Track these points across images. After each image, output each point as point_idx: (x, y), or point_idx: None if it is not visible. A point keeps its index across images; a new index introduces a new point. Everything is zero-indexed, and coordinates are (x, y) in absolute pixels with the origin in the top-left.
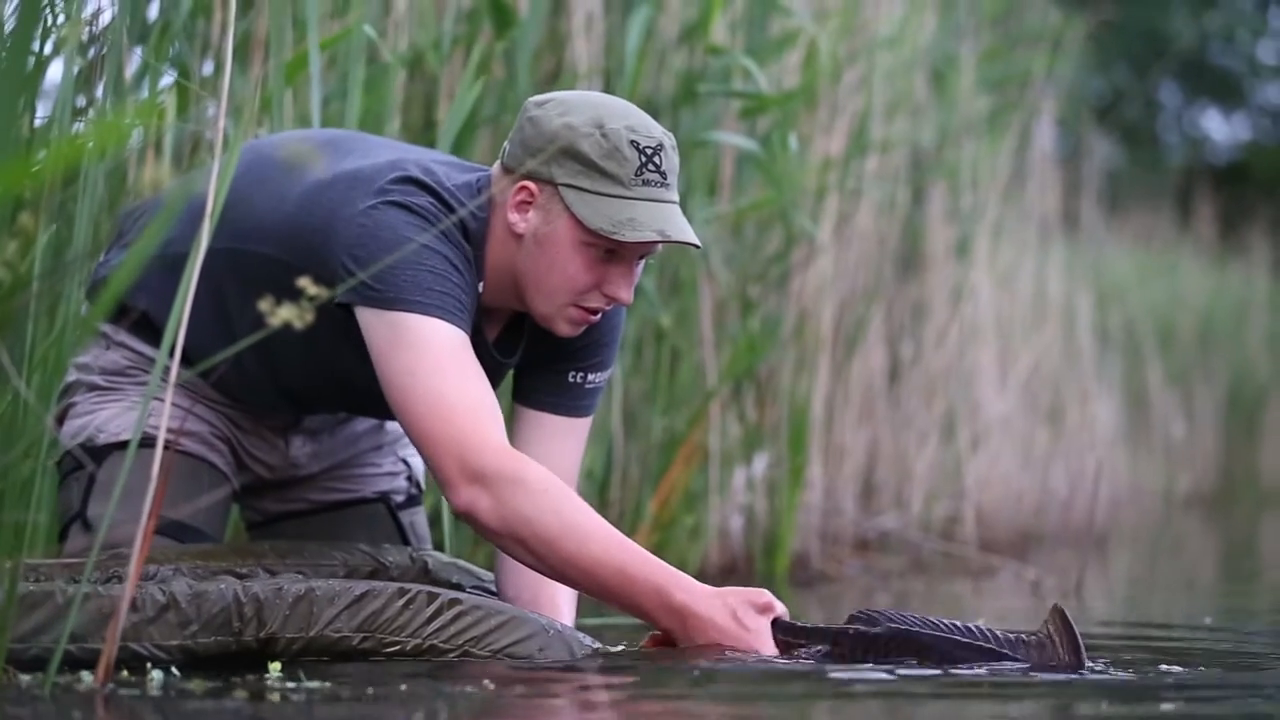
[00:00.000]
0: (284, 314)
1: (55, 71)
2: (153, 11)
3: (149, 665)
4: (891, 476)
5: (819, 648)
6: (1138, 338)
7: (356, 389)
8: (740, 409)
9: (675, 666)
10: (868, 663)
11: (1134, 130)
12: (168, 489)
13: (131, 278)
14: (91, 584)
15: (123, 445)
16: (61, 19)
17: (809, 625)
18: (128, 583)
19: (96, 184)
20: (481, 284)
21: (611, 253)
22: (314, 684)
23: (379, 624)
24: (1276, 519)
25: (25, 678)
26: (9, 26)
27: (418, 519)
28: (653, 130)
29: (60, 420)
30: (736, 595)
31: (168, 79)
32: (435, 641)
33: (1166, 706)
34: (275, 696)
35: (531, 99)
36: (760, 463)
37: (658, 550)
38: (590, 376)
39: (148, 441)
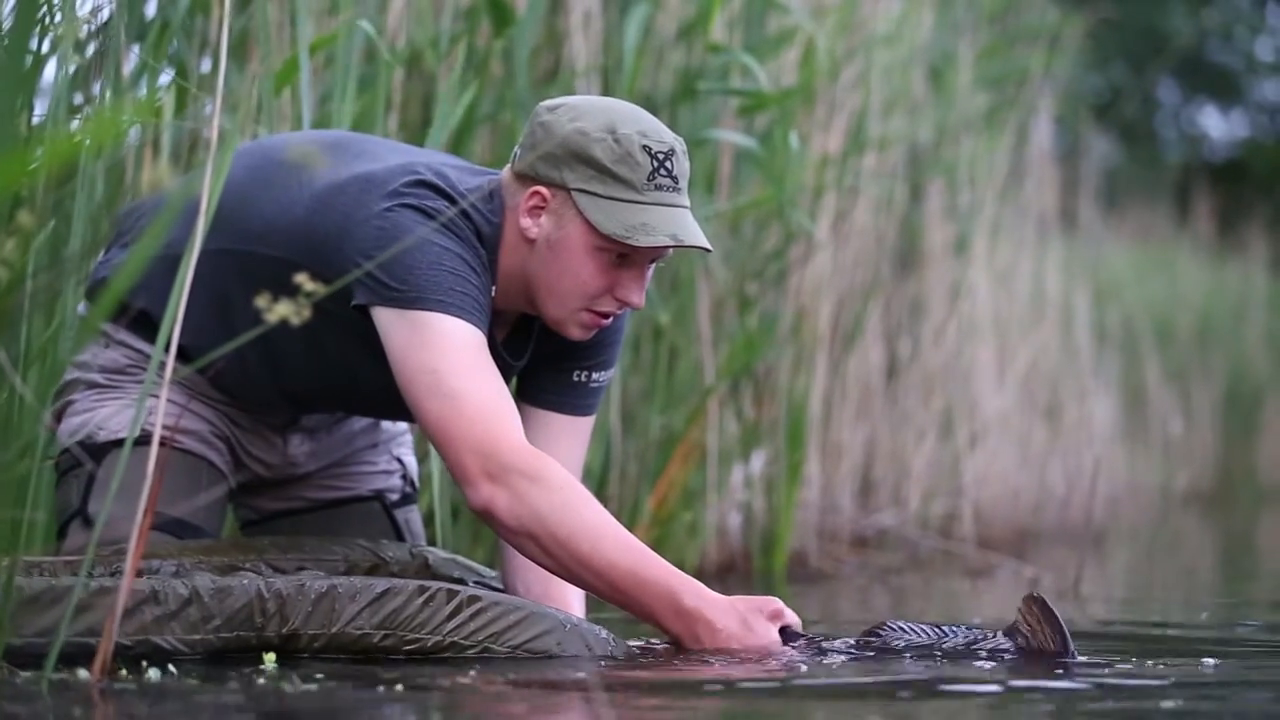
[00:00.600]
0: (280, 310)
1: (53, 69)
2: (150, 9)
3: (145, 663)
4: (889, 474)
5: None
6: (1136, 335)
7: (362, 390)
8: (738, 406)
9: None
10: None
11: (1132, 127)
12: (167, 486)
13: (133, 278)
14: (111, 577)
15: (122, 442)
16: (59, 17)
17: (816, 635)
18: (124, 578)
19: (94, 182)
20: (494, 287)
21: (624, 257)
22: (308, 683)
23: (400, 621)
24: (1274, 516)
25: (23, 674)
26: (6, 24)
27: (412, 517)
28: (664, 135)
29: (58, 418)
30: (746, 602)
31: (165, 77)
32: (456, 638)
33: (1167, 704)
34: (270, 692)
35: (542, 104)
36: (758, 460)
37: (655, 547)
38: (594, 376)
39: (146, 439)
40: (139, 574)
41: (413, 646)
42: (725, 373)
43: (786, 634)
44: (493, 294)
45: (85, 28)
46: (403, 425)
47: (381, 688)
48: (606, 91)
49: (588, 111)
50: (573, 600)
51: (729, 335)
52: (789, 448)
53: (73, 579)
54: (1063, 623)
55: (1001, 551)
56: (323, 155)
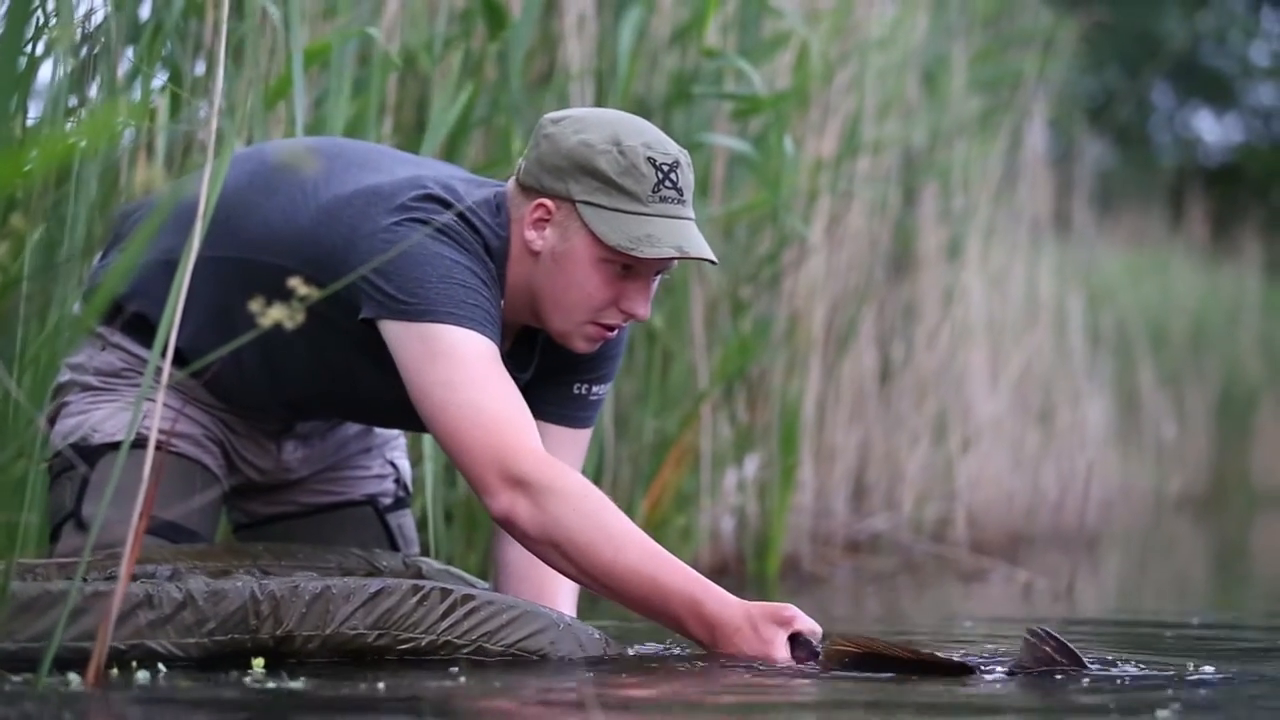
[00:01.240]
0: (274, 314)
1: (47, 72)
2: (144, 11)
3: (135, 665)
4: (883, 478)
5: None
6: (1129, 339)
7: (363, 399)
8: (731, 410)
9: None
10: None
11: (1126, 131)
12: (161, 489)
13: (124, 281)
14: (105, 582)
15: (116, 446)
16: (53, 20)
17: (818, 647)
18: (119, 583)
19: (89, 185)
20: (502, 300)
21: (629, 269)
22: (296, 684)
23: (394, 621)
24: (1267, 520)
25: (16, 679)
26: (0, 27)
27: (405, 522)
28: (669, 147)
29: (52, 420)
30: (761, 608)
31: (159, 80)
32: (449, 638)
33: (1162, 712)
34: (260, 695)
35: (546, 116)
36: (751, 464)
37: None
38: (594, 389)
39: (141, 442)
40: (133, 578)
41: (406, 646)
42: (719, 376)
43: (797, 642)
44: (501, 306)
45: (79, 30)
46: (395, 430)
47: (367, 693)
48: (601, 95)
49: (593, 124)
50: (565, 610)
51: (723, 339)
52: (782, 451)
53: (67, 584)
54: (1075, 652)
55: (995, 556)
56: (323, 163)
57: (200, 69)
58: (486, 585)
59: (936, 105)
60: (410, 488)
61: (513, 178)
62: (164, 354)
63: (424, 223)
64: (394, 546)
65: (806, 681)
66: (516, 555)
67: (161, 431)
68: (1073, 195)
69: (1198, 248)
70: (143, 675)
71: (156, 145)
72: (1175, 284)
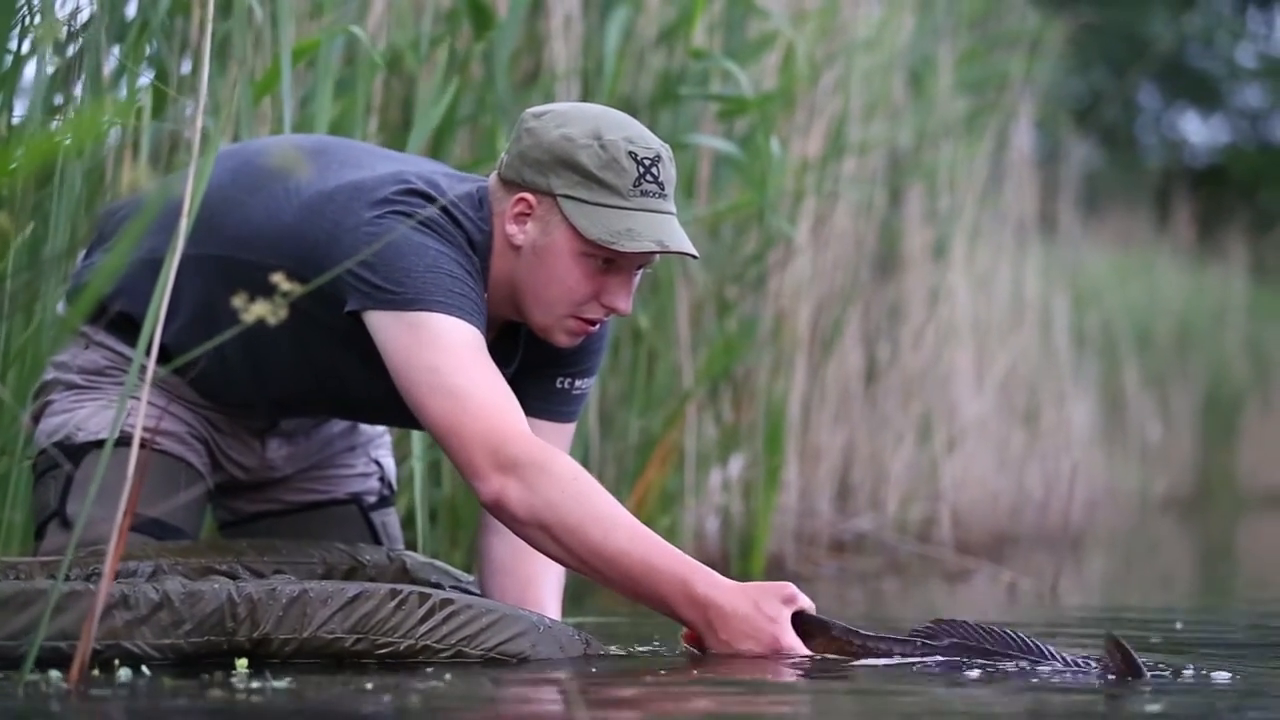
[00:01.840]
0: (257, 310)
1: (32, 69)
2: (130, 9)
3: (117, 663)
4: (867, 478)
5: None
6: (1114, 340)
7: (351, 396)
8: (717, 410)
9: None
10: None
11: (1112, 132)
12: (145, 487)
13: (112, 279)
14: (82, 581)
15: (101, 444)
16: (38, 18)
17: (833, 621)
18: (103, 580)
19: (74, 183)
20: (485, 294)
21: (609, 263)
22: (281, 683)
23: (372, 625)
24: (1252, 521)
25: None
26: None
27: (390, 520)
28: (650, 142)
29: (36, 418)
30: (759, 588)
31: (145, 78)
32: (428, 642)
33: (1152, 707)
34: (243, 695)
35: (528, 110)
36: (736, 464)
37: None
38: (577, 383)
39: (125, 440)
40: (99, 577)
41: (385, 651)
42: (704, 376)
43: (800, 619)
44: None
45: (65, 28)
46: (380, 427)
47: (353, 693)
48: (587, 95)
49: (574, 118)
50: (550, 605)
51: (708, 339)
52: (767, 451)
53: (48, 582)
54: (1137, 662)
55: (979, 556)
56: (307, 162)
57: (186, 67)
58: (471, 579)
59: (922, 106)
60: (395, 486)
61: (494, 172)
62: (148, 352)
63: (407, 215)
64: (379, 544)
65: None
66: (502, 549)
67: (146, 429)
68: (1059, 196)
69: (1183, 249)
70: (124, 674)
71: (142, 144)
72: (1161, 285)
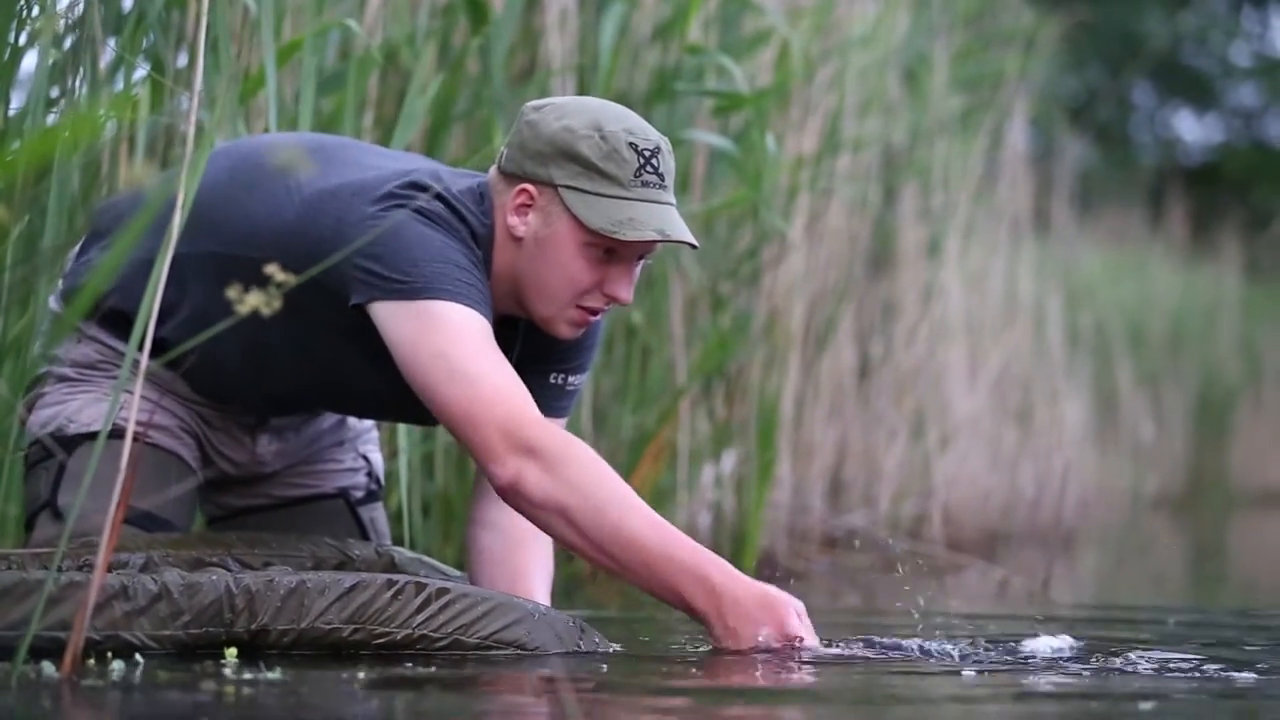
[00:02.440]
0: (251, 300)
1: (29, 62)
2: (127, 1)
3: (110, 654)
4: (860, 475)
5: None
6: (1107, 338)
7: (350, 391)
8: (710, 406)
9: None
10: None
11: (1106, 130)
12: (137, 479)
13: (110, 278)
14: (82, 573)
15: (93, 435)
16: (35, 10)
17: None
18: (96, 572)
19: (70, 176)
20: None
21: (611, 253)
22: (272, 674)
23: (369, 615)
24: (1244, 520)
25: None
26: None
27: (377, 515)
28: (650, 134)
29: (28, 410)
30: (773, 588)
31: (141, 71)
32: (425, 631)
33: (1145, 705)
34: (235, 686)
35: (528, 104)
36: (729, 460)
37: None
38: (571, 379)
39: (117, 433)
40: (90, 568)
41: (382, 640)
42: (697, 372)
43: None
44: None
45: (62, 21)
46: (369, 423)
47: (344, 683)
48: (582, 90)
49: (574, 110)
50: (540, 596)
51: (702, 335)
52: (760, 448)
53: (43, 573)
54: None
55: (971, 553)
56: (307, 159)
57: (183, 60)
58: (460, 575)
59: (917, 103)
60: (383, 481)
61: (494, 166)
62: (140, 346)
63: (412, 209)
64: (366, 540)
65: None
66: (491, 541)
67: (138, 424)
68: (1052, 194)
69: (1177, 248)
70: (118, 665)
71: (138, 138)
72: (1154, 284)
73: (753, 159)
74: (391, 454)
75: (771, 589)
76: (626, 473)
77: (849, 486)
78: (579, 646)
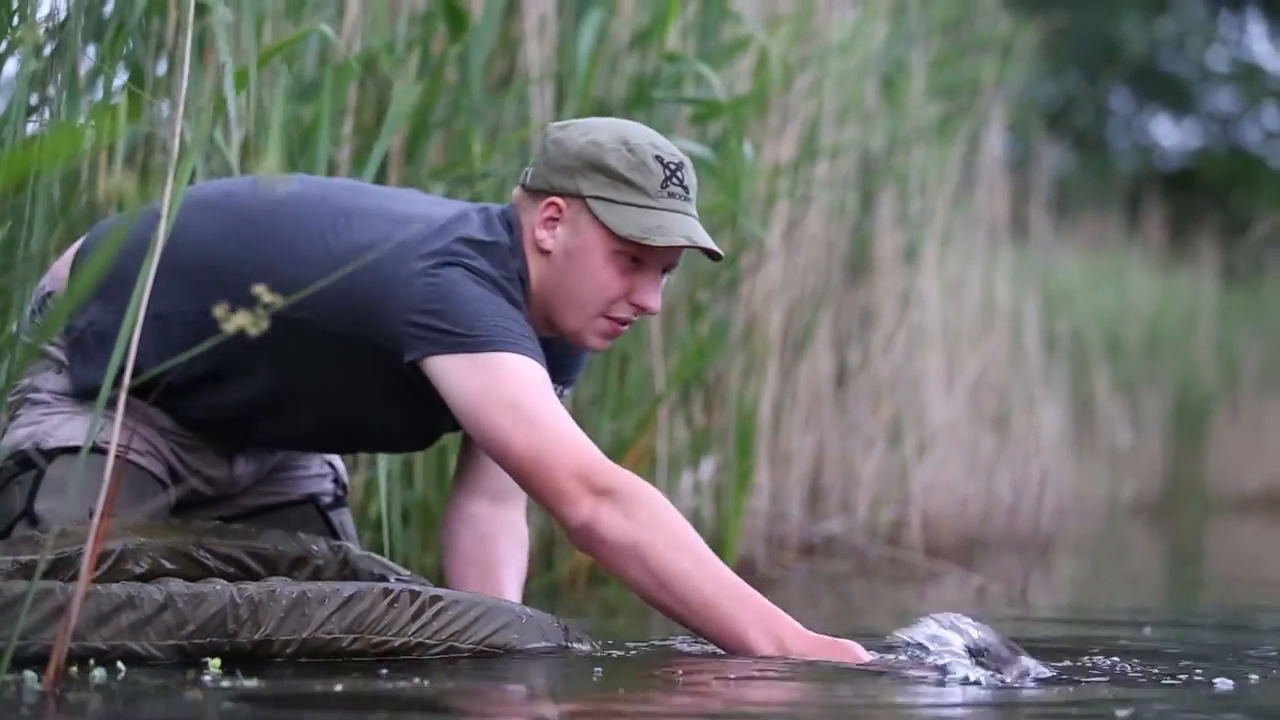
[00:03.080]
0: (238, 320)
1: (9, 68)
2: (107, 8)
3: (92, 663)
4: (838, 481)
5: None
6: (1085, 345)
7: (359, 434)
8: (688, 413)
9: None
10: None
11: (1084, 136)
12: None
13: (75, 307)
14: (91, 584)
15: (71, 450)
16: (16, 19)
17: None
18: (80, 580)
19: (49, 185)
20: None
21: (638, 262)
22: (251, 682)
23: (367, 624)
24: (1221, 526)
25: None
26: None
27: (345, 520)
28: (674, 149)
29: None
30: (842, 640)
31: (121, 78)
32: (421, 639)
33: (1121, 712)
34: (214, 695)
35: (552, 124)
36: (707, 467)
37: None
38: (564, 392)
39: (96, 449)
40: (112, 579)
41: (380, 649)
42: (676, 380)
43: None
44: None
45: (42, 28)
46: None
47: (323, 692)
48: (561, 98)
49: (600, 126)
50: (511, 591)
51: (680, 342)
52: (738, 455)
53: (50, 583)
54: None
55: (949, 560)
56: (320, 206)
57: (162, 68)
58: (410, 574)
59: (895, 110)
60: (348, 486)
61: (518, 188)
62: (118, 378)
63: (461, 265)
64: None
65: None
66: (468, 538)
67: (108, 441)
68: (1030, 200)
69: (1154, 253)
70: (99, 674)
71: (117, 146)
72: (1131, 289)
73: (731, 166)
74: (353, 466)
75: (840, 640)
76: None
77: (827, 493)
78: (564, 645)
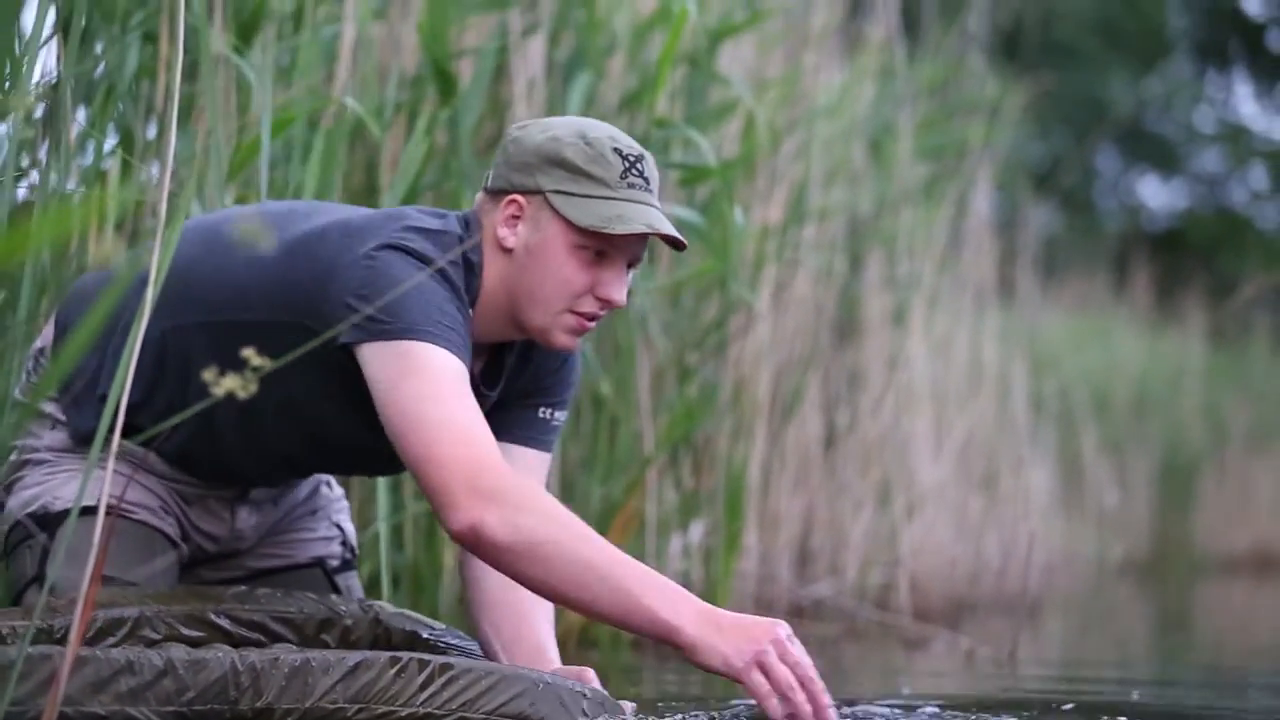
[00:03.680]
0: (228, 384)
1: None
2: (98, 71)
3: None
4: (827, 544)
5: None
6: (1072, 406)
7: (336, 446)
8: (677, 476)
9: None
10: None
11: (1071, 197)
12: (122, 553)
13: (73, 363)
14: (87, 647)
15: (81, 511)
16: (8, 84)
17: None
18: (70, 644)
19: (40, 254)
20: (472, 313)
21: (601, 254)
22: None
23: (373, 694)
24: (1209, 587)
25: None
26: None
27: (353, 583)
28: (633, 143)
29: (7, 490)
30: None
31: (111, 141)
32: (430, 710)
33: None
34: None
35: (512, 126)
36: (697, 529)
37: None
38: (555, 414)
39: (96, 509)
40: (112, 642)
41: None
42: (665, 442)
43: None
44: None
45: (34, 92)
46: (340, 491)
47: None
48: None
49: (558, 123)
50: (545, 633)
51: (669, 405)
52: (727, 517)
53: (50, 648)
54: None
55: (937, 622)
56: (278, 218)
57: (152, 132)
58: (444, 627)
59: (883, 173)
60: (356, 550)
61: (480, 192)
62: (113, 426)
63: (403, 249)
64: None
65: None
66: (490, 581)
67: (113, 497)
68: (1017, 261)
69: (1141, 314)
70: None
71: (108, 212)
72: (1118, 350)
73: (720, 230)
74: (364, 525)
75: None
76: None
77: (816, 556)
78: (584, 715)
